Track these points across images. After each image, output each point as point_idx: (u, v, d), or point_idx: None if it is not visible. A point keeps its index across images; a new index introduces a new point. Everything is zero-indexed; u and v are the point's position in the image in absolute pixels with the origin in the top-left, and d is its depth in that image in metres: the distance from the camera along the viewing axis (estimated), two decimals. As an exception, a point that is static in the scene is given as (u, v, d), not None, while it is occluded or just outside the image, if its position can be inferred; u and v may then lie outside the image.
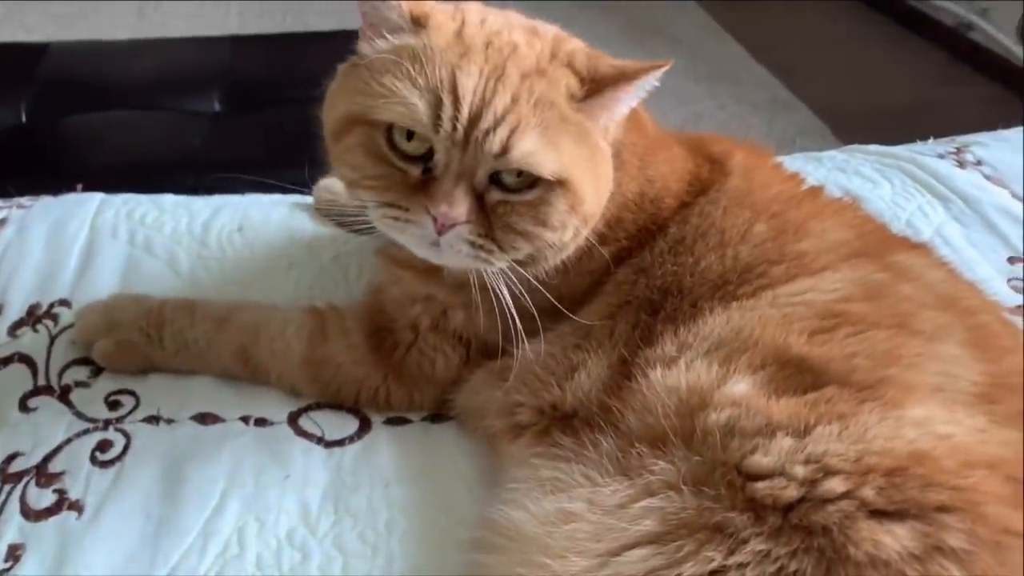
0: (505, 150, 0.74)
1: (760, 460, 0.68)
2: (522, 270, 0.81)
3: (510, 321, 0.82)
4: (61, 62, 2.03)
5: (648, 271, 0.86)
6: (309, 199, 1.23)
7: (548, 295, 0.83)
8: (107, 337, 0.94)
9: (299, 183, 1.24)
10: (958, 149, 1.41)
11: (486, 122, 0.74)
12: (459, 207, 0.75)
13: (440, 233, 0.76)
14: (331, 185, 1.18)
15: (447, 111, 0.74)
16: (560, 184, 0.77)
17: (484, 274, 0.81)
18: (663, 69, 0.77)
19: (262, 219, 1.17)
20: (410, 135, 0.76)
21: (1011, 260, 1.21)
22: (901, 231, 1.21)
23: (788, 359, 0.75)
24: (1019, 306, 1.14)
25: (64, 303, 1.02)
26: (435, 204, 0.75)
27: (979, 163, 1.37)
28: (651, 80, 0.78)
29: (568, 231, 0.80)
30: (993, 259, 1.20)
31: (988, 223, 1.25)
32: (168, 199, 1.20)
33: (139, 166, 1.71)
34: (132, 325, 0.95)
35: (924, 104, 3.33)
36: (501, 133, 0.74)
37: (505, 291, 0.80)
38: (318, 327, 0.94)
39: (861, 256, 0.85)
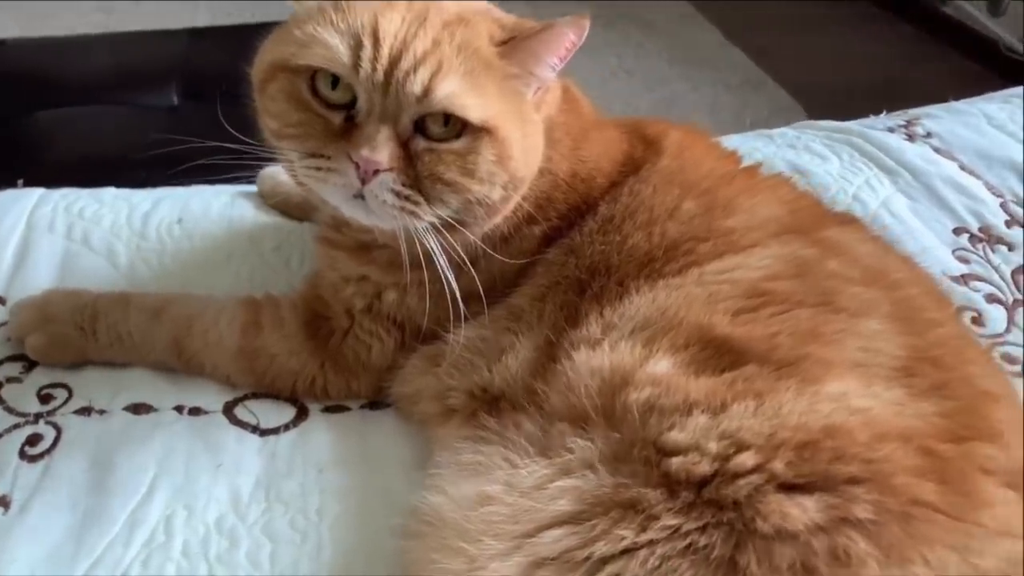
0: (427, 91, 0.74)
1: (676, 436, 0.68)
2: (451, 237, 0.80)
3: (447, 301, 0.82)
4: (17, 58, 2.01)
5: (577, 251, 0.86)
6: (253, 188, 1.22)
7: (479, 275, 0.82)
8: (40, 331, 0.93)
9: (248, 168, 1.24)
10: (908, 122, 1.41)
11: (407, 62, 0.74)
12: (381, 151, 0.74)
13: (364, 182, 0.75)
14: (275, 172, 1.17)
15: (367, 52, 0.74)
16: (487, 132, 0.77)
17: (416, 243, 0.79)
18: (584, 24, 0.77)
19: (202, 210, 1.16)
20: (334, 83, 0.76)
21: (956, 231, 1.21)
22: (848, 205, 1.22)
23: (711, 339, 0.74)
24: (963, 275, 1.15)
25: (-1, 300, 1.01)
26: (356, 149, 0.74)
27: (928, 135, 1.37)
28: (569, 34, 0.78)
29: (496, 187, 0.79)
30: (939, 230, 1.21)
31: (935, 195, 1.25)
32: (108, 192, 1.19)
33: (93, 162, 1.70)
34: (66, 319, 0.94)
35: (898, 81, 3.33)
36: (422, 74, 0.74)
37: (442, 261, 0.79)
38: (252, 317, 0.94)
39: (791, 232, 0.84)
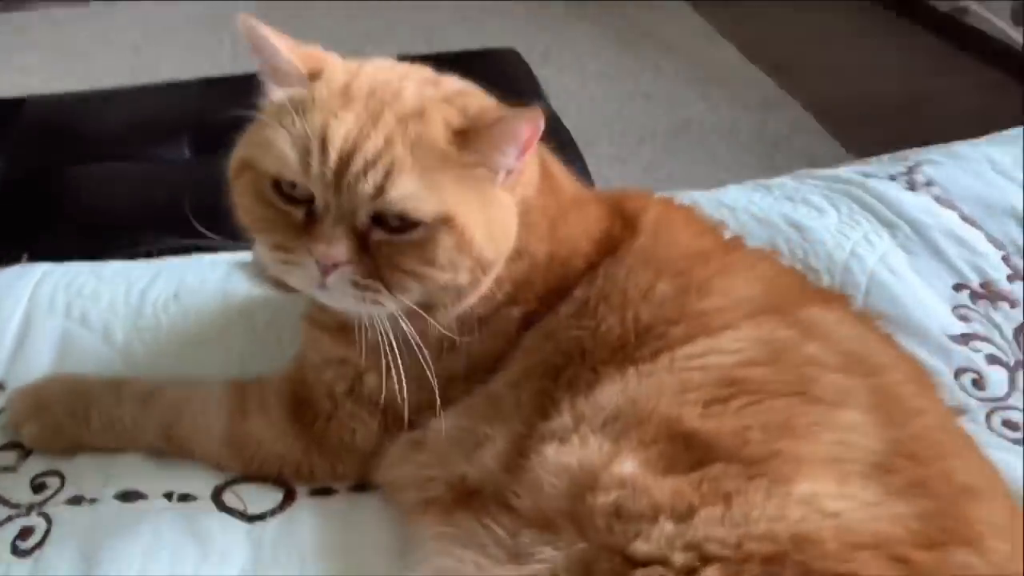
0: (379, 192, 0.75)
1: (641, 547, 0.68)
2: (419, 322, 0.80)
3: (427, 385, 0.82)
4: (37, 116, 2.06)
5: (554, 335, 0.86)
6: (249, 256, 1.24)
7: (458, 359, 0.83)
8: (34, 420, 0.96)
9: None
10: (910, 169, 1.39)
11: (356, 165, 0.75)
12: (337, 247, 0.76)
13: (325, 274, 0.77)
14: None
15: (315, 158, 0.75)
16: (443, 222, 0.77)
17: (387, 331, 0.80)
18: (536, 119, 0.78)
19: (198, 283, 1.18)
20: (294, 183, 0.77)
21: (957, 287, 1.19)
22: (844, 262, 1.20)
23: (678, 433, 0.74)
24: (963, 334, 1.13)
25: (-1, 385, 1.04)
26: (315, 245, 0.76)
27: (929, 183, 1.35)
28: (523, 126, 0.78)
29: (461, 272, 0.80)
30: (939, 286, 1.18)
31: (935, 249, 1.23)
32: (109, 267, 1.21)
33: (105, 222, 1.73)
34: (61, 406, 0.96)
35: (919, 94, 3.28)
36: (374, 177, 0.75)
37: (413, 345, 0.80)
38: (238, 403, 0.95)
39: (767, 312, 0.83)
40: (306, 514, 0.92)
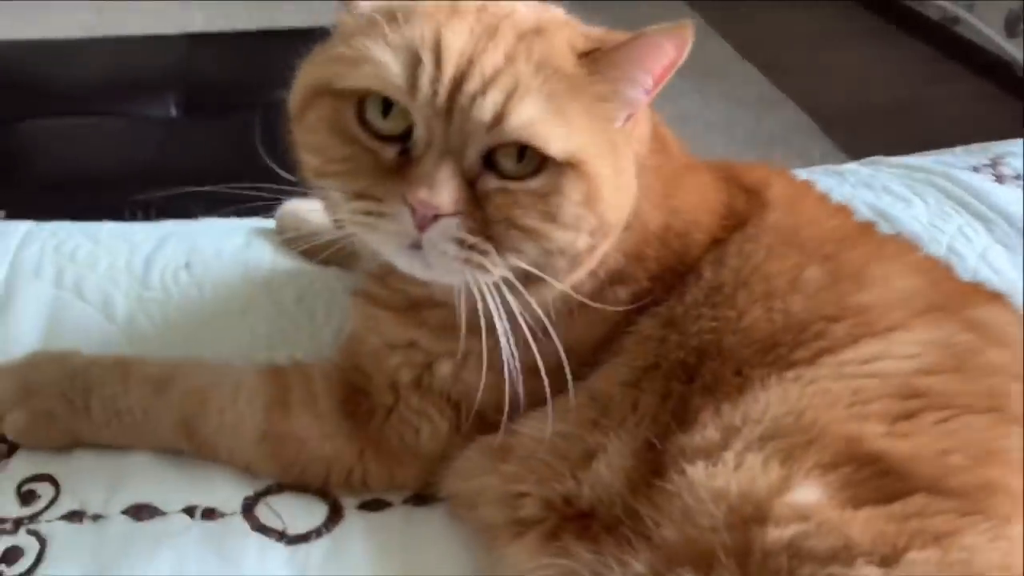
0: (500, 118, 0.60)
1: (840, 596, 0.54)
2: (524, 296, 0.66)
3: (510, 375, 0.67)
4: (2, 62, 1.85)
5: (679, 325, 0.71)
6: (270, 224, 1.07)
7: (552, 346, 0.67)
8: (23, 407, 0.77)
9: (265, 198, 1.09)
10: (993, 161, 1.28)
11: (474, 83, 0.60)
12: (442, 193, 0.60)
13: (421, 229, 0.61)
14: (298, 208, 1.02)
15: (427, 71, 0.60)
16: (572, 167, 0.63)
17: (478, 303, 0.65)
18: (684, 35, 0.63)
19: (213, 252, 1.00)
20: (386, 110, 0.62)
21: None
22: (944, 258, 1.08)
23: (864, 456, 0.60)
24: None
25: (-28, 363, 0.85)
26: (413, 190, 0.60)
27: (1018, 177, 1.24)
28: (666, 46, 0.64)
29: (582, 234, 0.65)
30: (1045, 288, 1.07)
31: (1039, 248, 1.12)
32: (105, 228, 1.03)
33: (84, 178, 1.54)
34: (53, 391, 0.78)
35: (911, 100, 3.25)
36: (494, 97, 0.60)
37: (506, 325, 0.65)
38: (278, 394, 0.78)
39: (936, 311, 0.70)
40: (358, 534, 0.76)
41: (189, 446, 0.79)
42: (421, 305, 0.75)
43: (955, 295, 0.74)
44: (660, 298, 0.74)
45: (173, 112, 1.80)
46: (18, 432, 0.77)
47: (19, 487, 0.75)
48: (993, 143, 1.36)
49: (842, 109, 3.20)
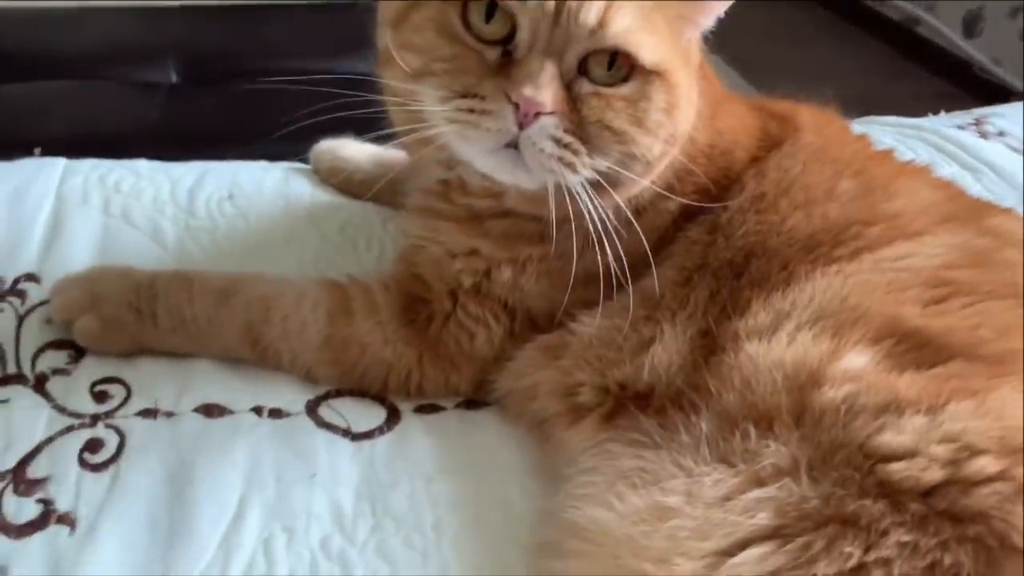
0: (602, 23, 0.65)
1: (892, 439, 0.60)
2: (602, 198, 0.71)
3: (567, 283, 0.73)
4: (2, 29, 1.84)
5: (725, 230, 0.77)
6: (301, 166, 1.10)
7: (609, 252, 0.72)
8: (91, 313, 0.80)
9: (268, 156, 1.12)
10: (977, 120, 1.37)
11: None
12: (545, 91, 0.65)
13: (522, 126, 0.66)
14: (334, 147, 1.05)
15: None
16: (659, 76, 0.69)
17: (564, 200, 0.70)
18: None
19: (254, 186, 1.04)
20: (489, 14, 0.66)
21: (1049, 234, 1.16)
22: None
23: (905, 331, 0.66)
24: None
25: (31, 278, 0.87)
26: (517, 87, 0.65)
27: (1001, 134, 1.33)
28: None
29: (659, 140, 0.71)
30: (1030, 232, 1.15)
31: (1021, 194, 1.20)
32: (143, 164, 1.05)
33: (92, 138, 1.54)
34: (120, 300, 0.81)
35: (873, 97, 3.35)
36: (597, 4, 0.65)
37: (595, 223, 0.70)
38: (340, 303, 0.82)
39: (955, 220, 0.77)
40: (417, 432, 0.80)
41: (252, 352, 0.82)
42: (483, 216, 0.80)
43: (970, 207, 0.82)
44: (702, 209, 0.79)
45: (174, 78, 1.81)
46: (89, 336, 0.80)
47: (91, 388, 0.78)
48: (975, 108, 1.45)
49: (809, 102, 3.31)
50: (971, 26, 3.36)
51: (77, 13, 1.99)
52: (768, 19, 3.83)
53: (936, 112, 1.44)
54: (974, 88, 3.22)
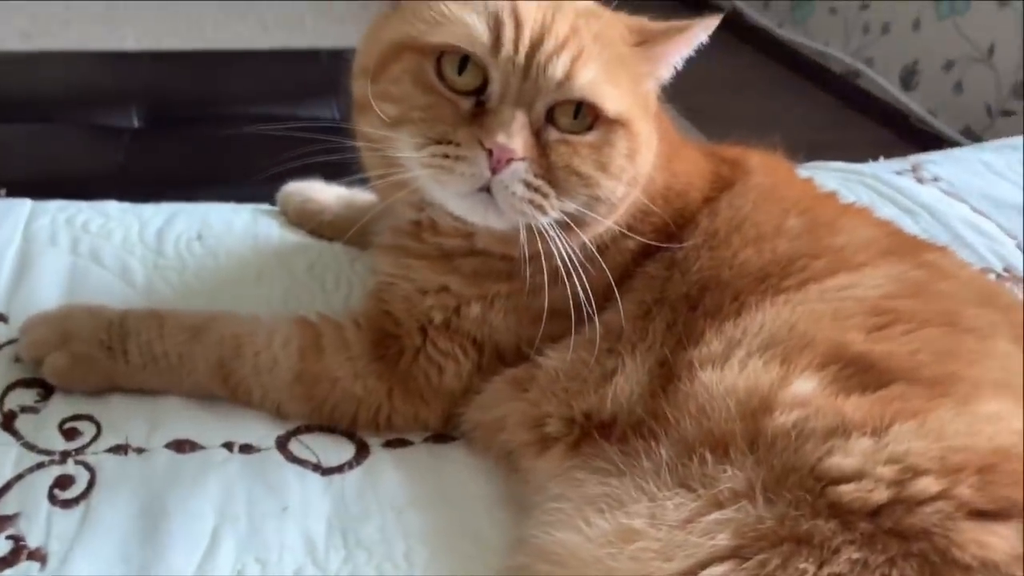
0: (568, 77, 0.71)
1: (841, 462, 0.63)
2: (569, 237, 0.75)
3: (532, 318, 0.77)
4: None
5: (681, 265, 0.82)
6: (267, 207, 1.13)
7: (571, 288, 0.76)
8: (61, 351, 0.81)
9: (232, 199, 1.14)
10: (913, 167, 1.44)
11: (548, 47, 0.71)
12: (517, 138, 0.70)
13: (494, 171, 0.70)
14: (303, 188, 1.08)
15: (508, 32, 0.70)
16: (621, 124, 0.74)
17: (535, 239, 0.74)
18: (713, 24, 0.75)
19: (223, 226, 1.05)
20: (462, 67, 0.71)
21: (982, 272, 1.23)
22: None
23: (850, 356, 0.71)
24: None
25: (-1, 317, 0.87)
26: (490, 135, 0.69)
27: (936, 179, 1.41)
28: (701, 35, 0.77)
29: (622, 184, 0.76)
30: (966, 271, 1.22)
31: (956, 235, 1.26)
32: (112, 206, 1.07)
33: (54, 179, 1.55)
34: (91, 337, 0.82)
35: (817, 144, 3.48)
36: (564, 59, 0.71)
37: (564, 261, 0.74)
38: (311, 339, 0.84)
39: (894, 254, 0.83)
40: (387, 466, 0.82)
41: (223, 388, 0.83)
42: (454, 255, 0.83)
43: (908, 243, 0.88)
44: (662, 246, 0.84)
45: (136, 123, 1.82)
46: (58, 373, 0.81)
47: (60, 425, 0.78)
48: (911, 156, 1.53)
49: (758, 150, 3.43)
50: (908, 79, 3.52)
51: (39, 57, 2.01)
52: (719, 72, 3.96)
53: (876, 158, 1.52)
54: (911, 137, 3.36)
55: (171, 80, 1.96)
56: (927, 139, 3.09)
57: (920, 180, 1.40)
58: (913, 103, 3.41)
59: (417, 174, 0.73)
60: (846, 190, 1.34)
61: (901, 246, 0.86)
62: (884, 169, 1.44)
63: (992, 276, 1.21)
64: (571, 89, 0.71)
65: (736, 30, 4.02)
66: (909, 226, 1.27)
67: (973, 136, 3.00)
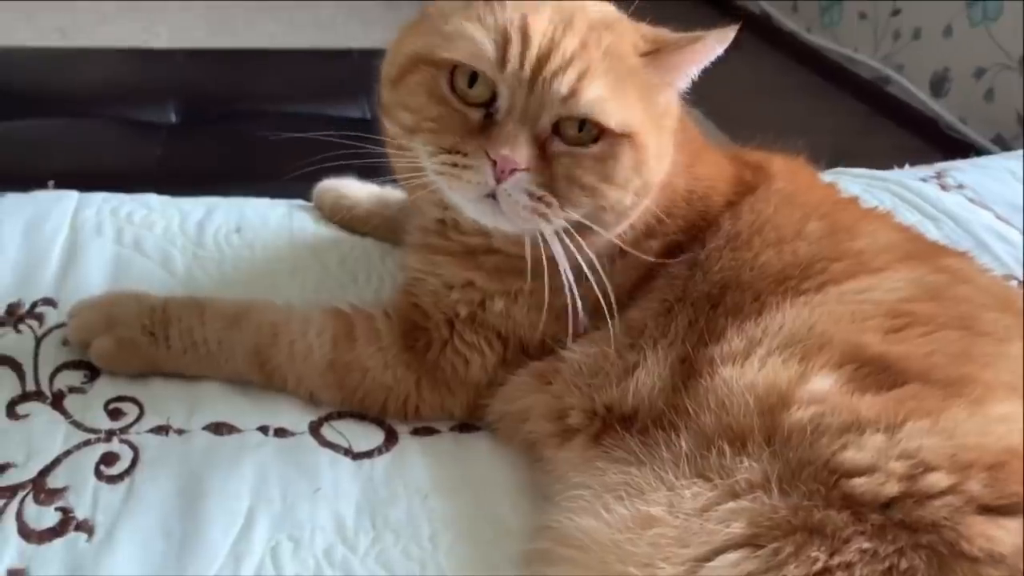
0: (573, 93, 0.73)
1: (854, 456, 0.66)
2: (577, 242, 0.77)
3: (555, 314, 0.80)
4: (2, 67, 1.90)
5: (703, 266, 0.84)
6: (301, 203, 1.16)
7: (595, 288, 0.79)
8: (106, 335, 0.85)
9: (267, 195, 1.18)
10: (938, 174, 1.45)
11: (554, 63, 0.73)
12: (520, 151, 0.72)
13: (499, 181, 0.73)
14: (337, 185, 1.12)
15: (515, 49, 0.72)
16: (627, 138, 0.76)
17: (537, 248, 0.77)
18: (730, 36, 0.76)
19: (260, 220, 1.09)
20: (472, 80, 0.74)
21: (1005, 279, 1.23)
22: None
23: (867, 357, 0.73)
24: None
25: (49, 302, 0.92)
26: (495, 147, 0.72)
27: (961, 186, 1.41)
28: (716, 47, 0.77)
29: (629, 194, 0.78)
30: (988, 277, 1.23)
31: (979, 242, 1.27)
32: (154, 198, 1.11)
33: (96, 173, 1.59)
34: (134, 322, 0.86)
35: (845, 151, 3.47)
36: (569, 75, 0.73)
37: (565, 266, 0.77)
38: (344, 329, 0.87)
39: (914, 258, 0.85)
40: (414, 452, 0.85)
41: (259, 374, 0.87)
42: (477, 252, 0.86)
43: (927, 248, 0.90)
44: (682, 247, 0.86)
45: (173, 119, 1.87)
46: (104, 356, 0.85)
47: (106, 405, 0.82)
48: (936, 163, 1.54)
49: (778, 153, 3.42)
50: (938, 86, 3.50)
51: (78, 53, 2.06)
52: (746, 75, 3.96)
53: (903, 166, 1.53)
54: (941, 144, 3.34)
55: (207, 77, 2.00)
56: (957, 147, 3.07)
57: (944, 187, 1.41)
58: (943, 110, 3.39)
59: (433, 179, 0.76)
60: (869, 196, 1.35)
61: (921, 251, 0.87)
62: (908, 176, 1.45)
63: (1014, 283, 1.22)
64: (575, 106, 0.73)
65: (764, 34, 4.01)
66: (932, 232, 1.28)
67: (1004, 144, 2.98)
